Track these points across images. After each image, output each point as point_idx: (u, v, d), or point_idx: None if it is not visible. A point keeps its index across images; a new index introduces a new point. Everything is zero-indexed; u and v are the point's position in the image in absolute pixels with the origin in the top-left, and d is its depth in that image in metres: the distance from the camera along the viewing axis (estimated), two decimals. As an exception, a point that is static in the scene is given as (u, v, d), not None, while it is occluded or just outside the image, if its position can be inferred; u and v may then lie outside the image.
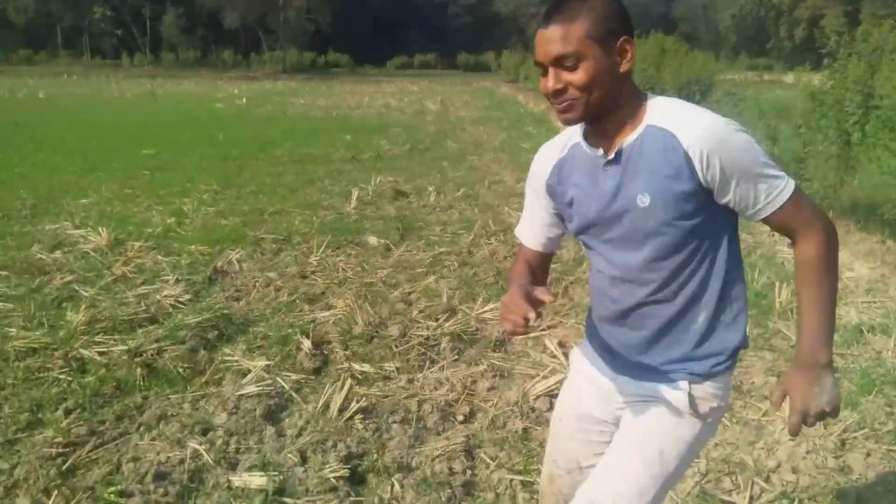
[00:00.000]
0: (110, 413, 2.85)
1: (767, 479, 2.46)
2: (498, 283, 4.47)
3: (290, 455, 2.54)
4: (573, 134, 1.48)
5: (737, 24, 69.61)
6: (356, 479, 2.45)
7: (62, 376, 3.13)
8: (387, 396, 3.04)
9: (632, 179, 1.35)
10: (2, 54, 54.04)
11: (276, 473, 2.40)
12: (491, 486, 2.44)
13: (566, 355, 3.24)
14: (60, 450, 2.57)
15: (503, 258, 4.99)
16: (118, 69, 49.22)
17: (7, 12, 54.92)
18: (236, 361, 3.29)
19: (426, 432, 2.77)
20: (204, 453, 2.52)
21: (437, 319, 3.82)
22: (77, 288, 4.25)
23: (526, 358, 3.41)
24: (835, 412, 1.35)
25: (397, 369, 3.29)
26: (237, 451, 2.58)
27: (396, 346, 3.52)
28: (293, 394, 3.03)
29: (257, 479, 2.35)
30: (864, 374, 3.17)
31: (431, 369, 3.32)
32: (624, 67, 1.32)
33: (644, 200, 1.33)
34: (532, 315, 1.23)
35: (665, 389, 1.44)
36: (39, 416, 2.82)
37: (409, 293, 4.30)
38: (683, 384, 1.42)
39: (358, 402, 2.90)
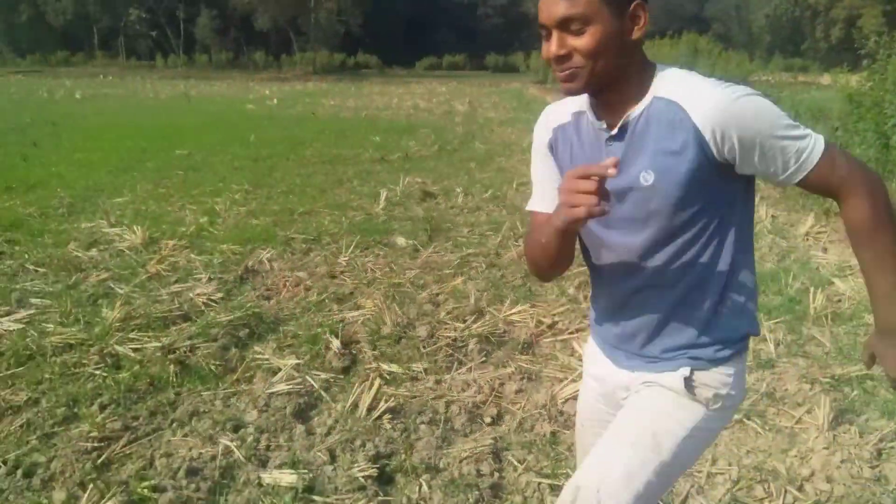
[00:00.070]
0: (144, 409, 2.90)
1: (801, 488, 2.41)
2: (526, 285, 4.46)
3: (319, 453, 2.57)
4: (580, 101, 1.36)
5: (771, 24, 68.43)
6: (384, 479, 2.47)
7: (97, 372, 3.20)
8: (415, 397, 3.05)
9: (636, 156, 1.25)
10: (40, 56, 55.39)
11: (306, 471, 2.43)
12: (519, 489, 2.44)
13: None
14: (95, 444, 2.63)
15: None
16: (153, 70, 50.13)
17: (46, 15, 56.27)
18: (267, 360, 3.33)
19: (454, 434, 2.78)
20: (235, 450, 2.56)
21: (464, 321, 3.82)
22: (112, 285, 4.34)
23: (554, 361, 3.40)
24: None
25: (425, 370, 3.30)
26: (267, 448, 2.62)
27: (424, 347, 3.53)
28: (322, 393, 3.06)
29: (287, 477, 2.38)
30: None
31: (459, 371, 3.32)
32: (636, 35, 1.21)
33: (647, 178, 1.24)
34: (611, 170, 1.12)
35: (663, 373, 1.36)
36: (75, 410, 2.89)
37: (437, 294, 4.31)
38: (684, 369, 1.34)
39: (386, 402, 2.91)
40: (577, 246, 1.40)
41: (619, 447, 1.33)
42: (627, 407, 1.40)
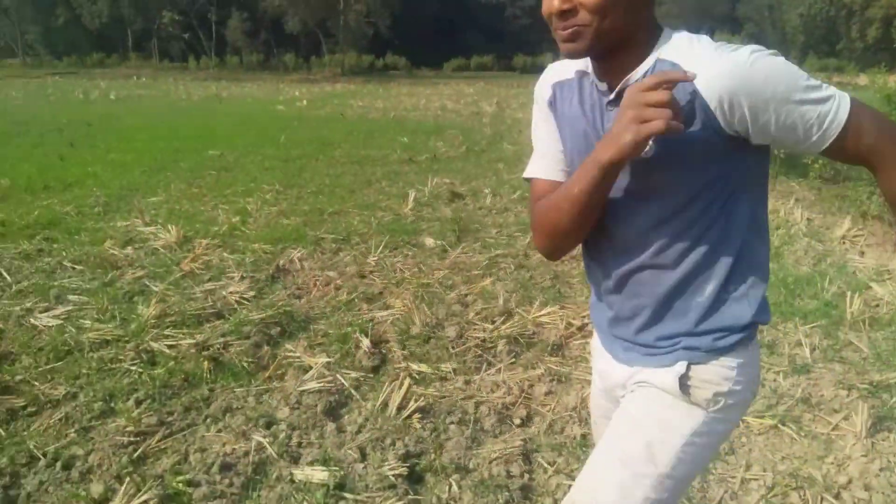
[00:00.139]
0: (178, 404, 2.95)
1: (837, 496, 2.37)
2: (555, 287, 4.44)
3: (349, 451, 2.59)
4: (585, 61, 1.23)
5: (805, 23, 67.22)
6: (414, 478, 2.48)
7: (133, 368, 3.26)
8: (444, 397, 3.06)
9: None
10: (76, 58, 56.59)
11: (337, 469, 2.45)
12: (549, 491, 2.43)
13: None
14: (131, 438, 2.68)
15: (561, 261, 4.95)
16: (185, 72, 50.88)
17: (82, 18, 57.47)
18: (298, 357, 3.36)
19: (483, 434, 2.78)
20: (267, 446, 2.59)
21: (493, 322, 3.82)
22: (147, 283, 4.42)
23: (584, 363, 3.38)
24: None
25: (454, 370, 3.31)
26: (299, 445, 2.65)
27: (453, 348, 3.54)
28: (352, 391, 3.08)
29: (319, 474, 2.40)
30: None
31: (488, 371, 3.33)
32: None
33: (648, 150, 1.12)
34: (689, 72, 1.02)
35: (656, 370, 1.24)
36: (112, 405, 2.95)
37: (466, 295, 4.31)
38: (680, 365, 1.21)
39: (416, 401, 2.93)
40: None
41: (611, 461, 1.23)
42: (620, 413, 1.30)
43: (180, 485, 2.36)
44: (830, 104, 1.07)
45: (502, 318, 3.86)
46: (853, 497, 2.36)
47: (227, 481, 2.40)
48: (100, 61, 56.55)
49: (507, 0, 68.13)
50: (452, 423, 2.84)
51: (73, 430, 2.75)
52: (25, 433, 2.74)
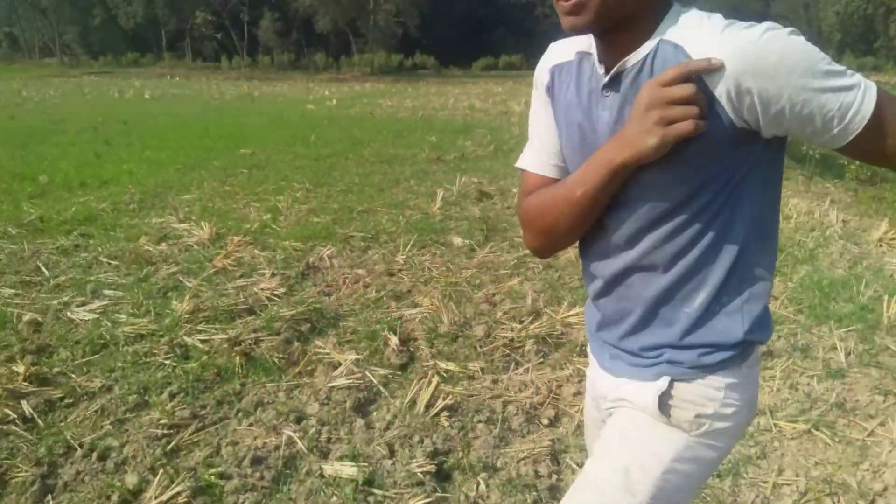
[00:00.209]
0: (211, 398, 3.00)
1: (873, 503, 2.33)
2: (584, 287, 4.41)
3: (378, 447, 2.61)
4: (589, 39, 1.12)
5: (842, 21, 65.83)
6: (442, 476, 2.49)
7: (167, 362, 3.32)
8: (472, 396, 3.06)
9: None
10: (112, 57, 57.75)
11: (366, 464, 2.47)
12: (577, 491, 2.42)
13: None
14: (165, 431, 2.73)
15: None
16: (217, 71, 51.58)
17: (118, 18, 58.59)
18: (327, 354, 3.40)
19: (511, 434, 2.78)
20: (298, 441, 2.62)
21: (521, 321, 3.81)
22: (181, 279, 4.50)
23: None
24: None
25: (482, 369, 3.31)
26: (329, 440, 2.68)
27: (481, 347, 3.54)
28: (381, 388, 3.10)
29: (348, 469, 2.43)
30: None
31: (516, 371, 3.32)
32: None
33: None
34: (712, 59, 0.92)
35: (638, 385, 1.14)
36: (146, 398, 3.01)
37: (494, 294, 4.31)
38: (662, 381, 1.11)
39: (444, 399, 2.94)
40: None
41: (588, 489, 1.14)
42: (601, 438, 1.20)
43: (212, 477, 2.41)
44: (855, 94, 0.94)
45: (530, 318, 3.85)
46: (889, 505, 2.32)
47: (258, 475, 2.43)
48: (134, 61, 57.62)
49: (536, -1, 67.84)
50: (480, 421, 2.85)
51: (108, 421, 2.81)
52: (62, 424, 2.81)
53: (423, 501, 2.31)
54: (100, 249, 5.16)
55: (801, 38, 0.93)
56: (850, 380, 3.17)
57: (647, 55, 1.01)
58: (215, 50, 59.65)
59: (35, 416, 2.82)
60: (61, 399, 2.98)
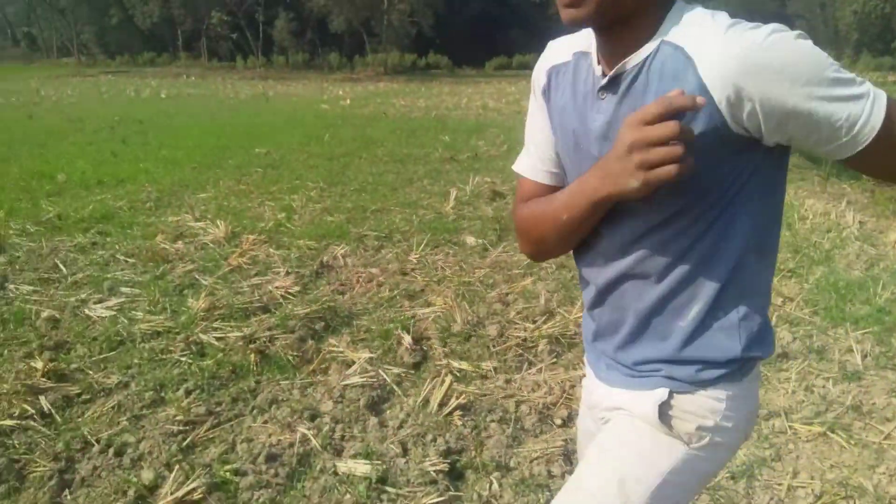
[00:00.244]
0: (226, 395, 3.03)
1: (889, 507, 2.31)
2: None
3: (391, 445, 2.62)
4: (588, 38, 1.07)
5: (859, 21, 65.11)
6: (455, 475, 2.50)
7: (183, 359, 3.35)
8: (485, 395, 3.07)
9: (628, 116, 0.95)
10: (128, 57, 58.25)
11: (379, 462, 2.49)
12: (590, 491, 2.42)
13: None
14: (181, 427, 2.76)
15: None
16: (233, 71, 51.81)
17: (134, 18, 59.07)
18: (341, 352, 3.41)
19: (524, 433, 2.78)
20: (312, 438, 2.64)
21: (534, 321, 3.81)
22: (197, 277, 4.54)
23: (626, 364, 3.35)
24: None
25: (495, 369, 3.32)
26: (342, 438, 2.69)
27: (494, 346, 3.55)
28: (394, 387, 3.12)
29: (362, 467, 2.44)
30: None
31: (529, 371, 3.32)
32: None
33: None
34: (698, 99, 0.85)
35: (637, 394, 1.11)
36: (163, 394, 3.04)
37: (507, 294, 4.31)
38: (661, 391, 1.08)
39: (457, 398, 2.95)
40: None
41: (582, 498, 1.11)
42: (596, 443, 1.17)
43: (227, 473, 2.43)
44: (864, 103, 0.88)
45: (543, 318, 3.85)
46: (906, 508, 2.30)
47: (272, 471, 2.45)
48: (151, 60, 58.04)
49: (550, -2, 67.71)
50: (493, 421, 2.85)
51: (125, 417, 2.85)
52: (80, 420, 2.84)
53: (436, 500, 2.32)
54: (117, 247, 5.22)
55: (809, 42, 0.88)
56: (866, 382, 3.14)
57: (648, 57, 0.96)
58: (231, 50, 59.96)
59: (53, 411, 2.86)
60: (79, 395, 3.02)
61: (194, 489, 2.32)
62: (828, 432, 2.72)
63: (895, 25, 61.53)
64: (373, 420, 2.82)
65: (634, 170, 0.90)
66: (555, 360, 3.42)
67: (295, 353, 3.40)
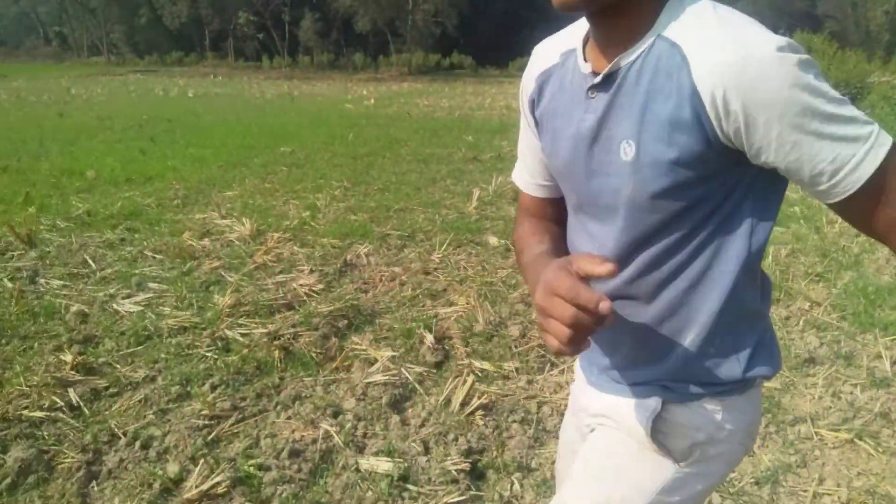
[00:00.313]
0: (251, 391, 3.06)
1: (918, 516, 2.27)
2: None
3: (413, 444, 2.63)
4: (576, 34, 1.02)
5: (891, 21, 63.86)
6: (476, 474, 2.50)
7: (209, 354, 3.39)
8: (506, 395, 3.07)
9: (619, 117, 0.91)
10: (157, 56, 59.07)
11: (401, 460, 2.50)
12: (611, 493, 2.41)
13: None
14: (206, 422, 2.79)
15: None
16: (258, 71, 52.28)
17: (163, 18, 59.89)
18: (364, 350, 3.43)
19: (546, 434, 2.78)
20: (334, 435, 2.66)
21: (557, 322, 3.80)
22: (223, 273, 4.59)
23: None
24: None
25: (516, 369, 3.32)
26: (365, 435, 2.71)
27: (516, 347, 3.54)
28: (416, 385, 3.13)
29: (383, 464, 2.46)
30: None
31: (551, 372, 3.32)
32: None
33: (628, 152, 0.90)
34: (602, 304, 0.76)
35: (625, 404, 1.05)
36: (188, 389, 3.08)
37: (529, 294, 4.29)
38: (654, 400, 1.02)
39: (479, 398, 2.95)
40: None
41: None
42: (579, 460, 1.11)
43: (251, 468, 2.46)
44: (857, 147, 0.80)
45: (566, 319, 3.83)
46: (935, 518, 2.26)
47: (295, 467, 2.48)
48: (178, 60, 58.77)
49: (576, -2, 67.28)
50: (515, 421, 2.85)
51: (151, 411, 2.89)
52: (107, 412, 2.89)
53: (457, 499, 2.33)
54: (145, 243, 5.29)
55: (814, 71, 0.80)
56: (895, 389, 3.08)
57: (642, 53, 0.89)
58: (257, 50, 60.52)
59: (81, 404, 2.92)
60: (106, 388, 3.07)
61: (218, 483, 2.35)
62: (855, 439, 2.68)
63: (929, 26, 60.25)
64: (395, 418, 2.83)
65: (539, 319, 0.85)
66: (577, 361, 3.40)
67: (318, 351, 3.42)
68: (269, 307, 3.96)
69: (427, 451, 2.61)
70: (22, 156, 9.47)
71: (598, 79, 0.93)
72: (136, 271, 4.62)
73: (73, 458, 2.54)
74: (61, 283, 4.39)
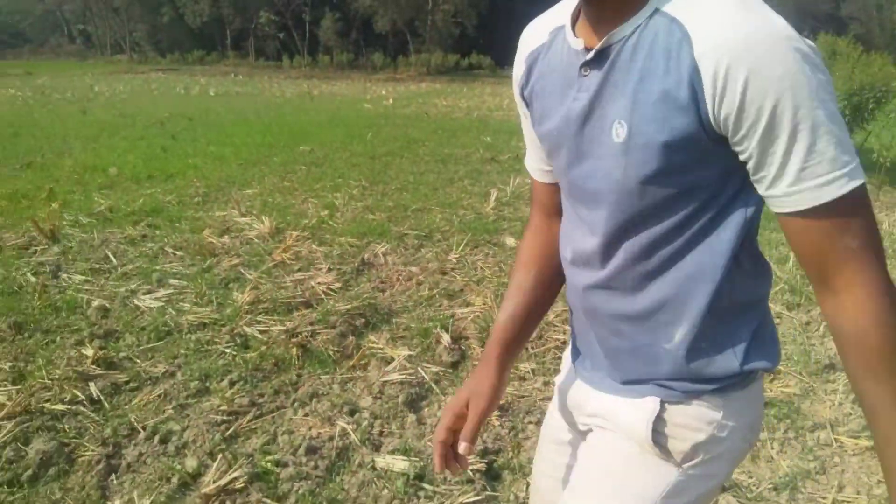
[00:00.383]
0: (269, 387, 3.09)
1: (940, 526, 2.23)
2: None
3: (429, 443, 2.64)
4: (565, 11, 0.97)
5: (919, 24, 62.87)
6: (492, 475, 2.50)
7: (228, 350, 3.43)
8: (522, 396, 3.07)
9: (612, 96, 0.86)
10: (179, 55, 59.66)
11: (417, 459, 2.50)
12: (627, 496, 2.40)
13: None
14: (224, 417, 2.82)
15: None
16: (279, 70, 52.58)
17: (185, 17, 60.47)
18: (381, 349, 3.45)
19: (562, 436, 2.77)
20: (351, 433, 2.68)
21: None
22: (242, 271, 4.63)
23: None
24: None
25: (533, 371, 3.31)
26: (381, 433, 2.72)
27: (532, 348, 3.54)
28: (433, 385, 3.14)
29: (399, 463, 2.46)
30: None
31: (568, 374, 3.30)
32: None
33: (620, 133, 0.85)
34: (463, 445, 1.06)
35: (623, 403, 1.02)
36: (207, 384, 3.11)
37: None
38: (652, 401, 0.98)
39: (495, 399, 2.94)
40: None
41: None
42: (579, 467, 1.09)
43: (269, 464, 2.48)
44: (830, 168, 0.76)
45: (583, 321, 3.82)
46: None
47: (312, 464, 2.49)
48: (200, 59, 59.28)
49: (596, -1, 66.95)
50: (531, 422, 2.85)
51: (170, 406, 2.92)
52: (127, 407, 2.92)
53: (472, 499, 2.33)
54: (165, 240, 5.35)
55: (827, 77, 0.76)
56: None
57: (638, 29, 0.83)
58: (277, 49, 60.89)
59: (102, 398, 2.95)
60: (126, 383, 3.11)
61: (236, 478, 2.37)
62: (876, 447, 2.64)
63: (956, 29, 59.24)
64: (411, 417, 2.84)
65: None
66: (565, 353, 3.39)
67: (336, 349, 3.44)
68: (288, 305, 3.99)
69: (443, 450, 2.61)
70: (46, 152, 9.61)
71: (591, 55, 0.88)
72: (157, 267, 4.67)
73: (93, 451, 2.57)
74: (83, 278, 4.45)
